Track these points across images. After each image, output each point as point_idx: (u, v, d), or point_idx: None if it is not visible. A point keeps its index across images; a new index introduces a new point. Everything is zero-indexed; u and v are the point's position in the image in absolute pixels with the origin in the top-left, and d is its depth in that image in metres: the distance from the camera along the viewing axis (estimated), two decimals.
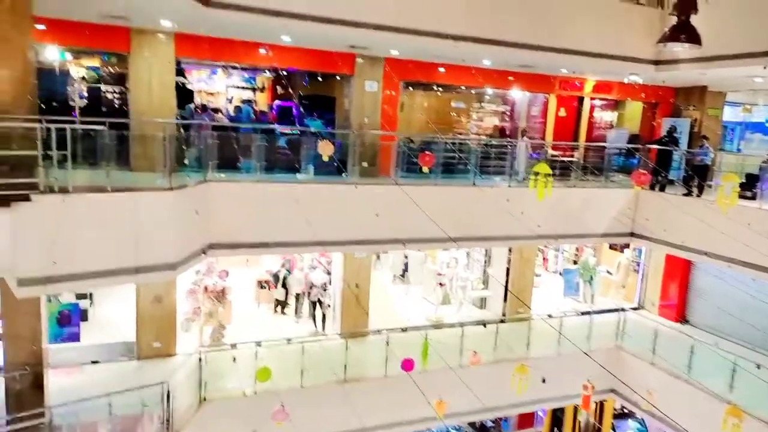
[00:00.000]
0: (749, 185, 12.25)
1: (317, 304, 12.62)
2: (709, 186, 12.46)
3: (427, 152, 10.48)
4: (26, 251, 6.37)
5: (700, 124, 14.99)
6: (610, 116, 17.84)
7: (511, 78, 14.53)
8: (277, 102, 15.03)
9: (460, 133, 16.25)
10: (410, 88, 14.81)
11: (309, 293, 12.71)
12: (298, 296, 13.18)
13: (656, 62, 12.65)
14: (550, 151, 14.93)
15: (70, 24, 9.62)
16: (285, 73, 14.77)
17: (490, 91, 16.18)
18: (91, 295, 11.60)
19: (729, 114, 17.13)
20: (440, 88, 15.92)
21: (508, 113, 16.85)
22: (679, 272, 14.95)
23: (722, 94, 15.38)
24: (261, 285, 13.76)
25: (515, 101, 16.36)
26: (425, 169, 10.53)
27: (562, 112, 15.82)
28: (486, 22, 10.77)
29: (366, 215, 10.23)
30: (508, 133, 16.39)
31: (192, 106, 12.17)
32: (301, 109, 14.72)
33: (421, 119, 15.48)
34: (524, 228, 11.70)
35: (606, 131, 17.14)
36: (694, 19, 9.30)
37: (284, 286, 13.36)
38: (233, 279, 12.36)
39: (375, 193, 10.41)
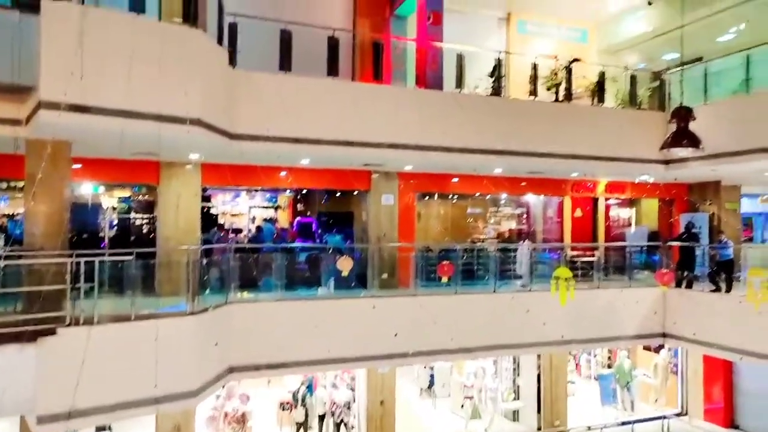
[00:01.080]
0: None
1: (341, 425, 12.11)
2: (738, 280, 12.15)
3: (444, 262, 10.57)
4: (48, 386, 6.40)
5: (718, 218, 14.94)
6: (627, 213, 17.93)
7: (523, 184, 14.91)
8: (297, 219, 15.54)
9: (478, 239, 16.39)
10: (426, 198, 15.24)
11: (333, 413, 12.25)
12: (321, 417, 12.67)
13: (665, 162, 12.94)
14: (569, 253, 14.89)
15: (104, 161, 10.33)
16: (304, 191, 15.43)
17: (504, 195, 16.55)
18: (110, 426, 11.35)
19: (748, 206, 17.11)
20: (455, 197, 16.35)
21: (524, 216, 17.07)
22: (720, 372, 14.16)
23: (737, 187, 15.48)
24: (283, 407, 13.32)
25: (530, 204, 16.65)
26: (444, 279, 10.56)
27: (578, 213, 15.97)
28: (492, 136, 11.28)
29: (387, 329, 10.13)
30: (525, 235, 16.49)
31: (215, 229, 12.64)
32: (321, 225, 15.15)
33: (439, 228, 15.76)
34: (550, 333, 11.44)
35: (625, 229, 17.15)
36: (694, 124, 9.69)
37: (304, 405, 12.90)
38: (255, 401, 12.02)
39: (395, 305, 10.38)
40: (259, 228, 14.04)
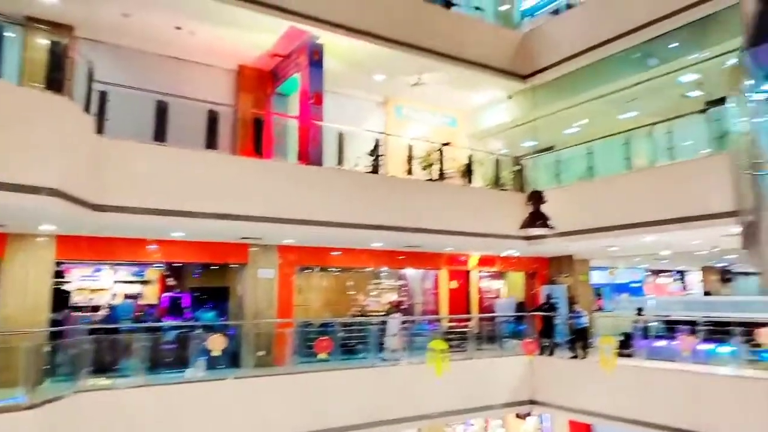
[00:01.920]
0: (625, 344, 13.21)
1: None
2: (592, 347, 13.29)
3: (322, 337, 10.43)
4: None
5: (573, 290, 16.44)
6: (497, 285, 19.11)
7: (402, 257, 15.44)
8: (166, 294, 14.59)
9: (359, 313, 16.44)
10: (307, 271, 15.13)
11: None
12: None
13: (527, 238, 14.13)
14: (445, 324, 15.42)
15: None
16: (176, 265, 14.62)
17: (385, 268, 16.93)
18: None
19: (598, 277, 19.07)
20: (337, 270, 16.42)
21: (404, 289, 17.51)
22: None
23: (587, 261, 17.25)
24: None
25: (409, 277, 17.16)
26: (322, 354, 10.39)
27: (454, 285, 16.74)
28: (371, 211, 11.65)
29: (259, 411, 9.62)
30: (405, 307, 16.87)
31: (67, 311, 11.44)
32: (193, 301, 14.34)
33: (319, 301, 15.62)
34: (428, 406, 11.55)
35: (495, 300, 18.20)
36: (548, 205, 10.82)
37: None
38: None
39: (268, 385, 9.96)
40: (111, 307, 12.97)
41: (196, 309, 13.74)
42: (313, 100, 11.64)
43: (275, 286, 12.64)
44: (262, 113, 12.19)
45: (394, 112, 15.31)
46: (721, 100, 10.86)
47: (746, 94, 4.53)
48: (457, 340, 13.89)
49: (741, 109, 4.80)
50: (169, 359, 10.04)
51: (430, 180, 13.26)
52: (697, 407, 10.32)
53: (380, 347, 12.36)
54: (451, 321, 15.64)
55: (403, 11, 12.57)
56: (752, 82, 4.36)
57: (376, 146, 12.58)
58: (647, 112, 13.59)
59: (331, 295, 16.22)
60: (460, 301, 16.89)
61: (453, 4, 14.00)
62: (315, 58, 11.68)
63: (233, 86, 13.03)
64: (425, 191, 12.69)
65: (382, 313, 14.67)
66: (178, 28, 11.25)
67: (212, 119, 10.12)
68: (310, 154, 11.49)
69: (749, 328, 11.26)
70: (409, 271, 16.80)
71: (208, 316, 12.76)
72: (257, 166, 10.58)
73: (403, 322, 13.17)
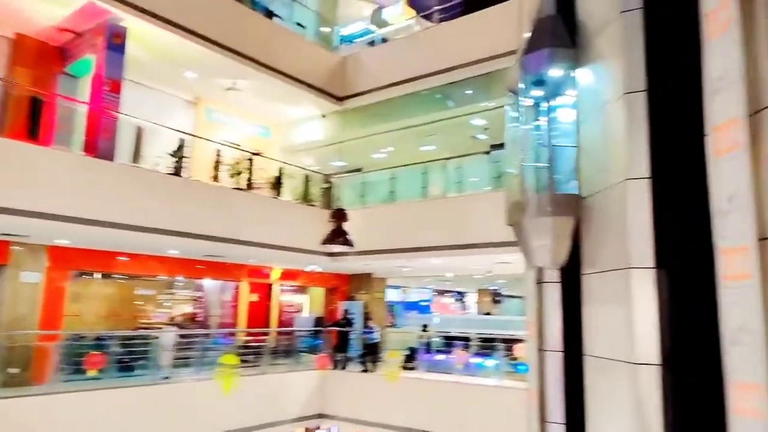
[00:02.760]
0: (411, 358, 14.26)
1: None
2: (382, 361, 14.06)
3: (94, 353, 9.30)
4: None
5: (370, 306, 17.28)
6: (300, 300, 19.19)
7: (200, 267, 14.61)
8: None
9: (146, 325, 15.07)
10: (85, 277, 13.42)
11: None
12: None
13: (330, 254, 14.47)
14: (242, 338, 14.95)
15: None
16: None
17: (180, 278, 15.83)
18: None
19: (393, 295, 20.36)
20: (124, 277, 14.86)
21: (200, 300, 16.56)
22: None
23: (384, 279, 18.32)
24: None
25: (207, 288, 16.30)
26: (93, 372, 9.25)
27: (254, 297, 16.35)
28: (168, 216, 10.84)
29: None
30: (201, 320, 15.95)
31: None
32: None
33: (100, 312, 13.93)
34: (215, 425, 11.00)
35: (296, 315, 18.24)
36: (350, 223, 11.26)
37: None
38: None
39: (16, 407, 8.52)
40: None
41: None
42: (109, 87, 10.48)
43: (40, 292, 10.95)
44: (43, 93, 10.59)
45: (205, 114, 14.56)
46: (502, 145, 12.55)
47: (517, 100, 5.21)
48: (252, 354, 13.56)
49: (510, 114, 5.53)
50: None
51: (238, 189, 12.85)
52: (465, 415, 11.52)
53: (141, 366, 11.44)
54: (247, 335, 15.21)
55: (222, 12, 12.10)
56: (522, 87, 5.02)
57: (181, 147, 11.80)
58: (444, 147, 15.05)
59: (115, 305, 14.58)
60: (260, 314, 16.55)
61: (275, 16, 13.93)
62: (115, 41, 10.56)
63: (6, 58, 11.09)
64: (231, 200, 12.25)
65: (159, 327, 13.56)
66: None
67: None
68: (100, 146, 10.27)
69: (510, 343, 13.00)
70: (208, 282, 15.97)
71: None
72: (28, 152, 9.09)
73: (183, 336, 12.35)
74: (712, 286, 3.07)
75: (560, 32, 4.65)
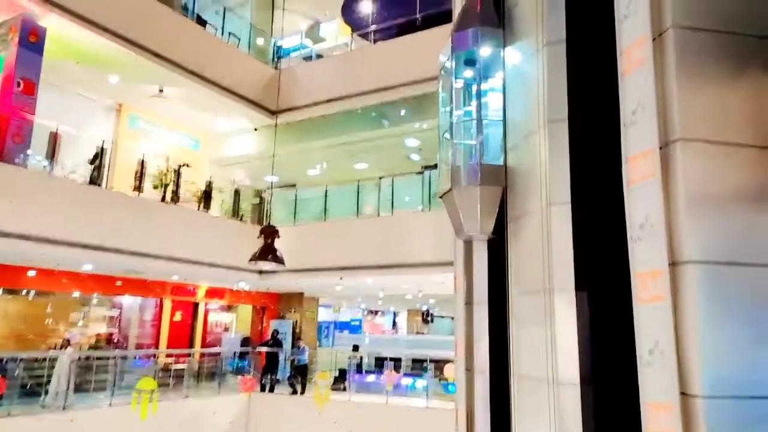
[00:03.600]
0: (340, 379, 13.99)
1: None
2: (311, 382, 13.71)
3: None
4: None
5: (300, 326, 16.89)
6: (227, 319, 18.47)
7: (119, 283, 13.78)
8: None
9: (57, 345, 13.95)
10: None
11: None
12: None
13: (260, 272, 14.05)
14: (163, 359, 14.16)
15: None
16: None
17: (96, 295, 14.83)
18: None
19: (324, 315, 20.03)
20: (31, 293, 13.73)
21: (118, 319, 15.57)
22: None
23: (316, 299, 18.00)
24: None
25: (126, 306, 15.36)
26: None
27: (178, 317, 15.58)
28: (83, 228, 10.15)
29: None
30: (117, 340, 14.97)
31: None
32: None
33: (1, 330, 12.77)
34: None
35: (223, 334, 17.53)
36: (281, 240, 10.96)
37: None
38: None
39: None
40: None
41: None
42: (22, 88, 9.76)
43: None
44: None
45: (128, 122, 13.85)
46: (435, 166, 12.73)
47: (449, 81, 5.29)
48: (174, 378, 12.86)
49: (441, 95, 5.62)
50: None
51: (162, 201, 12.25)
52: None
53: (78, 387, 10.61)
54: (168, 356, 14.42)
55: (151, 16, 11.60)
56: (454, 65, 5.10)
57: (100, 155, 11.14)
58: (377, 165, 15.09)
59: (20, 324, 13.42)
60: (183, 334, 15.78)
61: (208, 24, 13.54)
62: (31, 40, 9.88)
63: None
64: (154, 213, 11.69)
65: (51, 349, 12.48)
66: None
67: None
68: (9, 150, 9.50)
69: (440, 363, 13.06)
70: (127, 300, 15.05)
71: None
72: None
73: (81, 358, 11.50)
74: (630, 309, 3.16)
75: (488, 12, 4.86)
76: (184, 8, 13.01)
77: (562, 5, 4.05)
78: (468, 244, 5.19)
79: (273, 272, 13.73)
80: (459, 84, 5.12)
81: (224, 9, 13.95)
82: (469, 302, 5.06)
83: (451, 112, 5.19)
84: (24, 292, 13.38)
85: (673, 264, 2.82)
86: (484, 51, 4.85)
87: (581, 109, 3.91)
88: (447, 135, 5.21)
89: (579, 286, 3.66)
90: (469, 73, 5.03)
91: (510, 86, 4.76)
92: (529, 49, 4.35)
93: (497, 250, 4.75)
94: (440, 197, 5.23)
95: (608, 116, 3.52)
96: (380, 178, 13.60)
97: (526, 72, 4.47)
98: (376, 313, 27.34)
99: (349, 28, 15.48)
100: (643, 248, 3.00)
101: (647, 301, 2.97)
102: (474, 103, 4.86)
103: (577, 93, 3.97)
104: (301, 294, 17.14)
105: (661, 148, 2.92)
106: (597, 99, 3.77)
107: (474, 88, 4.90)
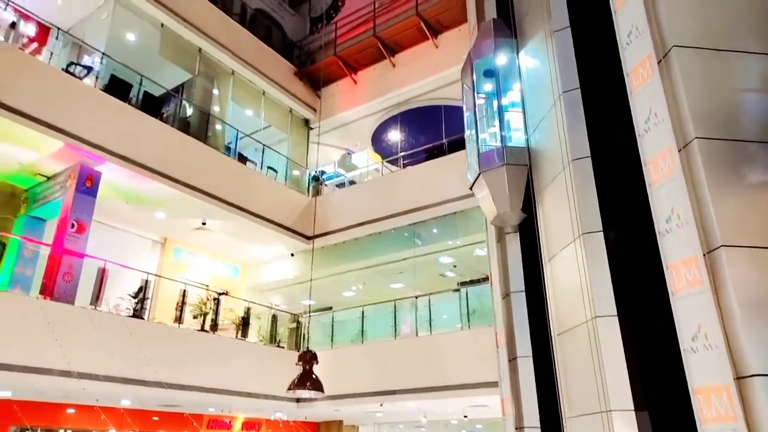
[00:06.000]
0: None
1: None
2: None
3: None
4: None
5: None
6: None
7: (156, 418, 13.46)
8: None
9: None
10: None
11: None
12: None
13: (297, 400, 13.60)
14: None
15: None
16: None
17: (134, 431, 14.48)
18: None
19: None
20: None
21: None
22: None
23: (356, 427, 17.11)
24: None
25: None
26: None
27: None
28: (124, 362, 10.18)
29: None
30: None
31: None
32: None
33: None
34: None
35: None
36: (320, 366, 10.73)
37: None
38: None
39: None
40: None
41: None
42: (76, 229, 10.41)
43: None
44: (5, 235, 10.44)
45: (172, 254, 14.45)
46: (471, 282, 12.65)
47: (472, 94, 5.64)
48: None
49: (466, 105, 5.97)
50: None
51: (202, 330, 12.33)
52: None
53: None
54: None
55: (196, 156, 12.57)
56: (475, 79, 5.43)
57: (144, 288, 11.48)
58: (413, 284, 15.06)
59: None
60: None
61: (248, 161, 14.55)
62: (87, 185, 10.72)
63: None
64: (194, 342, 11.73)
65: None
66: None
67: None
68: (57, 288, 9.92)
69: None
70: None
71: None
72: None
73: None
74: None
75: (501, 27, 5.49)
76: (227, 149, 14.08)
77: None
78: (513, 362, 5.01)
79: (311, 400, 13.29)
80: (480, 100, 5.58)
81: (263, 146, 15.03)
82: (519, 427, 4.77)
83: (474, 114, 5.61)
84: (61, 431, 13.17)
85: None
86: (501, 59, 5.42)
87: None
88: (472, 134, 5.56)
89: (638, 406, 3.45)
90: (488, 85, 5.57)
91: (527, 81, 5.11)
92: (539, 42, 4.81)
93: (544, 365, 4.58)
94: (471, 188, 5.48)
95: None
96: (416, 297, 13.50)
97: (538, 65, 4.88)
98: None
99: (378, 156, 16.37)
100: (670, 241, 3.12)
101: (684, 288, 2.95)
102: (495, 102, 5.28)
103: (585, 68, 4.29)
104: (340, 422, 16.35)
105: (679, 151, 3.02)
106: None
107: (493, 87, 5.37)
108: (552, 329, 4.47)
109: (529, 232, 4.94)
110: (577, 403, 4.00)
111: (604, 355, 3.63)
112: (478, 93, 5.66)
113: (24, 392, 10.18)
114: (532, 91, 5.15)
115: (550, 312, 4.51)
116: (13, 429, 11.07)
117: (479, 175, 5.16)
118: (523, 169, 4.99)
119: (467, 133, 6.02)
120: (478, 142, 5.36)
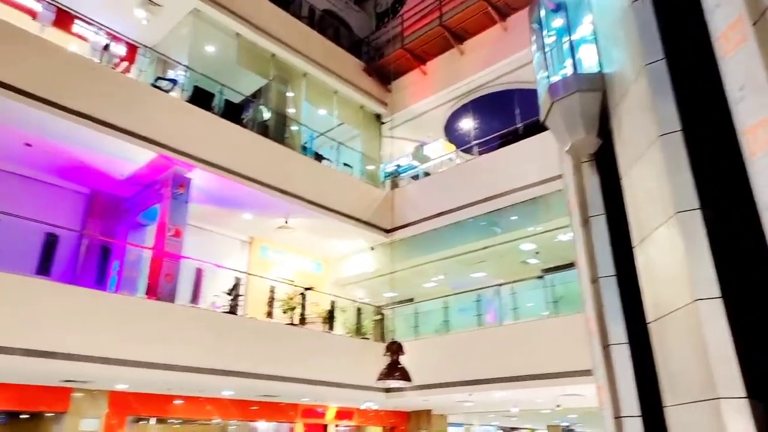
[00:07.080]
0: None
1: None
2: None
3: None
4: None
5: None
6: None
7: (254, 408, 14.22)
8: None
9: None
10: (141, 423, 13.23)
11: None
12: None
13: (387, 390, 13.86)
14: None
15: None
16: None
17: (234, 422, 15.37)
18: None
19: None
20: (178, 421, 14.57)
21: None
22: None
23: (444, 417, 17.18)
24: None
25: (260, 431, 15.69)
26: None
27: None
28: (224, 355, 10.84)
29: None
30: None
31: None
32: None
33: None
34: None
35: None
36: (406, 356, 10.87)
37: None
38: None
39: None
40: None
41: None
42: (173, 233, 11.18)
43: None
44: (111, 241, 11.39)
45: (259, 252, 15.15)
46: (555, 269, 12.28)
47: (540, 33, 5.47)
48: None
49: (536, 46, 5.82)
50: None
51: (291, 324, 12.87)
52: None
53: None
54: None
55: (276, 158, 13.06)
56: (543, 14, 5.26)
57: (236, 285, 12.14)
58: (494, 273, 14.85)
59: None
60: None
61: (324, 159, 14.93)
62: (180, 192, 11.47)
63: (83, 210, 12.16)
64: (285, 336, 12.23)
65: None
66: (28, 144, 10.52)
67: (50, 242, 9.17)
68: (160, 288, 10.72)
69: None
70: (261, 425, 15.40)
71: None
72: (92, 298, 9.54)
73: None
74: None
75: None
76: (303, 148, 14.53)
77: None
78: (606, 349, 4.84)
79: (400, 390, 13.49)
80: (551, 38, 5.40)
81: (338, 144, 15.36)
82: (618, 416, 4.61)
83: (543, 51, 5.46)
84: (172, 420, 14.23)
85: None
86: None
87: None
88: (542, 77, 5.39)
89: (752, 394, 3.23)
90: (558, 21, 5.37)
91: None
92: None
93: (641, 351, 4.38)
94: (543, 122, 5.35)
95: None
96: (499, 285, 13.30)
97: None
98: (512, 429, 25.29)
99: (452, 146, 16.23)
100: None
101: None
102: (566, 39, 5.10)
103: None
104: (429, 412, 16.50)
105: None
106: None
107: (563, 22, 5.19)
108: (647, 314, 4.27)
109: (608, 165, 4.70)
110: (680, 391, 3.81)
111: (708, 340, 3.43)
112: (548, 30, 5.49)
113: (139, 385, 11.08)
114: (604, 20, 4.91)
115: (644, 296, 4.31)
116: (130, 418, 12.08)
117: (552, 104, 4.96)
118: (597, 95, 4.76)
119: (538, 77, 5.79)
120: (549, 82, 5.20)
